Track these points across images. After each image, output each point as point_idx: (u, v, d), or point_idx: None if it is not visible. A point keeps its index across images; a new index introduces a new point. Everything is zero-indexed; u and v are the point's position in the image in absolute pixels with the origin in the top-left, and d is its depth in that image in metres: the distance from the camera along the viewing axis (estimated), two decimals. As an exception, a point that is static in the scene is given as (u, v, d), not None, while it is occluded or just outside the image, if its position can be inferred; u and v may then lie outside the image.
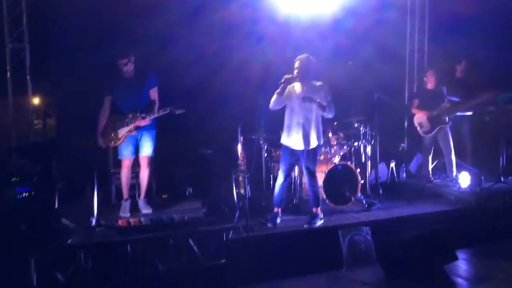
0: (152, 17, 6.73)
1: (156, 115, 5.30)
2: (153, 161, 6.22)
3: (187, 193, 6.41)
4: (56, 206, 4.74)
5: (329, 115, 5.26)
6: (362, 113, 6.74)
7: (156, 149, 5.63)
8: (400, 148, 8.65)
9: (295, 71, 5.18)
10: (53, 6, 6.71)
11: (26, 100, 6.76)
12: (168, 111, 5.24)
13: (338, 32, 7.51)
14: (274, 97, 5.18)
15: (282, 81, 5.08)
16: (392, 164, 7.33)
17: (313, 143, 5.25)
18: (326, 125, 5.93)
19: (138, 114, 5.30)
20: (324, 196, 5.93)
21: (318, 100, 5.11)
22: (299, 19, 7.29)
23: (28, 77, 6.77)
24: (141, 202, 5.62)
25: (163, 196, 6.38)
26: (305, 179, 5.44)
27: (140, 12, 6.73)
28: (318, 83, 5.28)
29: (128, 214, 5.43)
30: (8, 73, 6.67)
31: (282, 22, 7.16)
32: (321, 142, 5.38)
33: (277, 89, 5.17)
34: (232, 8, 6.83)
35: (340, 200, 6.03)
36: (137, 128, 5.34)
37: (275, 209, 5.46)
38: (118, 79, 5.44)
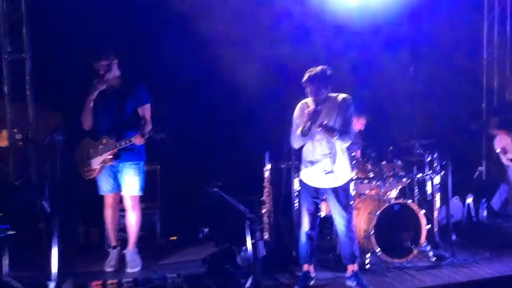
0: (166, 22, 5.56)
1: (132, 141, 4.01)
2: (159, 194, 5.09)
3: (201, 236, 5.14)
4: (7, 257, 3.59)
5: (342, 140, 3.85)
6: (426, 134, 5.19)
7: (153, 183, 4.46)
8: (477, 173, 6.95)
9: (311, 98, 3.88)
10: (57, 13, 5.73)
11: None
12: (147, 136, 4.00)
13: (395, 32, 6.04)
14: (298, 136, 3.88)
15: (308, 124, 3.76)
16: (469, 200, 5.67)
17: (345, 177, 3.98)
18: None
19: (114, 139, 4.08)
20: (376, 246, 4.45)
21: (325, 122, 3.79)
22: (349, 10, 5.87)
23: (28, 92, 5.76)
24: (128, 254, 4.37)
25: (171, 239, 5.14)
26: (337, 226, 4.05)
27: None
28: (339, 97, 3.92)
29: (113, 268, 4.25)
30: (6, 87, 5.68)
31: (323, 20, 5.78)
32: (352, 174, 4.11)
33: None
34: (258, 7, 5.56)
35: (397, 252, 4.51)
36: (116, 157, 4.12)
37: (304, 267, 4.10)
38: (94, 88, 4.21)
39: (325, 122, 3.78)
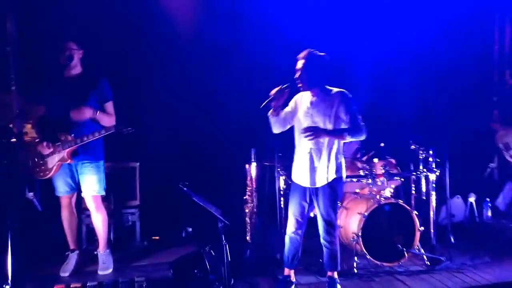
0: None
1: (97, 136, 3.78)
2: (138, 192, 4.89)
3: (183, 235, 4.93)
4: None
5: (356, 138, 3.53)
6: (425, 130, 4.85)
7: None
8: (488, 170, 6.51)
9: (296, 74, 3.53)
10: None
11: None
12: (113, 131, 3.76)
13: (399, 24, 5.67)
14: (270, 119, 3.66)
15: (267, 101, 3.50)
16: (472, 199, 5.31)
17: (328, 177, 3.57)
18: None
19: (72, 135, 3.84)
20: (363, 249, 4.16)
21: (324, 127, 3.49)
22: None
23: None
24: (100, 256, 4.16)
25: (153, 239, 4.93)
26: (319, 228, 3.72)
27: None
28: (334, 90, 3.58)
29: (68, 273, 4.01)
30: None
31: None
32: (343, 175, 3.66)
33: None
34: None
35: (388, 256, 4.21)
36: (74, 154, 3.89)
37: (285, 271, 3.83)
38: (54, 80, 3.97)
39: (328, 126, 3.49)
